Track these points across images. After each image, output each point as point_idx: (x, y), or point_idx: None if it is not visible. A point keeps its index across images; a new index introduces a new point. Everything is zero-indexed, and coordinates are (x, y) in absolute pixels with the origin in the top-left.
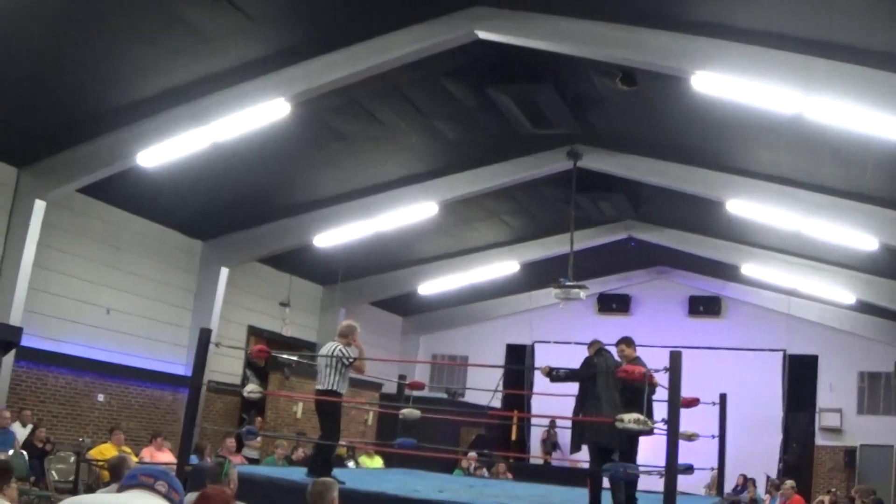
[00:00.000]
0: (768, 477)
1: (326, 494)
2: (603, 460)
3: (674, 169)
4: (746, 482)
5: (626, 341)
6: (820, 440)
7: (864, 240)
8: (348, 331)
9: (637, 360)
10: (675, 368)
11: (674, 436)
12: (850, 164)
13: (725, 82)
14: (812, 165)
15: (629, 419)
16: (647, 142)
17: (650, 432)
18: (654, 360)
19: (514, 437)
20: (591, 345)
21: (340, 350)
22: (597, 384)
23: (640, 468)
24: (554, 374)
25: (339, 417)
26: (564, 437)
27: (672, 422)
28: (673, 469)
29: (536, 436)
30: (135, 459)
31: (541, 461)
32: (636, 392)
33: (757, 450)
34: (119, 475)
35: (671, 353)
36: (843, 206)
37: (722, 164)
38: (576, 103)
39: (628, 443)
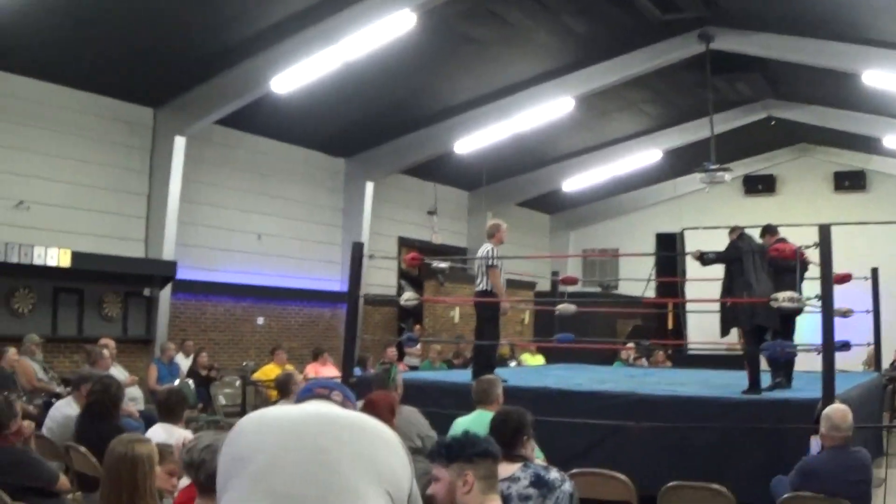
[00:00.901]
0: None
1: (491, 391)
2: (759, 341)
3: (807, 44)
4: None
5: (768, 230)
6: None
7: None
8: (494, 230)
9: (782, 241)
10: (825, 243)
11: (829, 312)
12: None
13: None
14: None
15: (783, 297)
16: (779, 18)
17: (801, 310)
18: (803, 238)
19: (670, 325)
20: (732, 230)
21: (488, 251)
22: (744, 267)
23: (798, 347)
24: (705, 258)
25: (498, 317)
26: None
27: (826, 297)
28: (830, 346)
29: (693, 322)
30: (300, 376)
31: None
32: (785, 271)
33: None
34: (287, 392)
35: (820, 227)
36: None
37: (854, 36)
38: None
39: (782, 323)
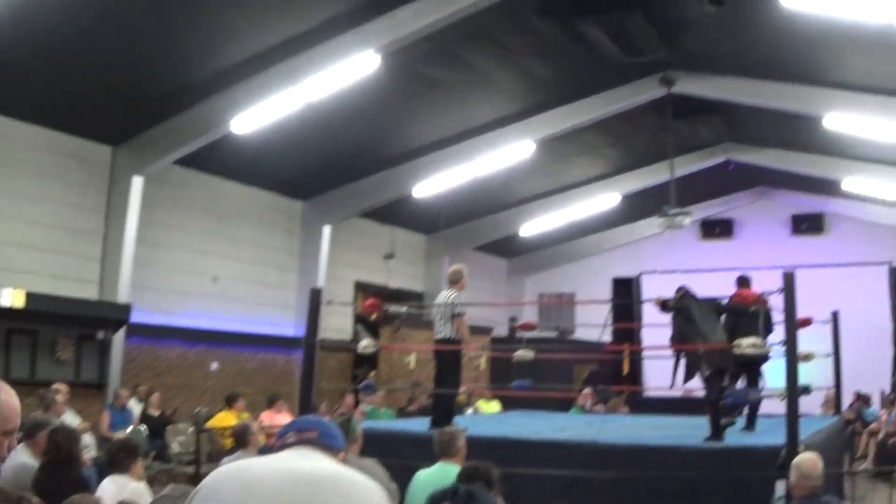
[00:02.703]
0: (882, 392)
1: (454, 443)
2: (719, 387)
3: (768, 87)
4: (859, 399)
5: (742, 282)
6: None
7: None
8: (457, 276)
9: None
10: (789, 289)
11: (792, 358)
12: None
13: None
14: None
15: (746, 344)
16: (740, 62)
17: (765, 357)
18: (761, 283)
19: (626, 370)
20: (677, 291)
21: (453, 298)
22: (693, 317)
23: (762, 393)
24: (667, 305)
25: (460, 365)
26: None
27: (790, 343)
28: (794, 391)
29: (649, 368)
30: (257, 426)
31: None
32: (740, 316)
33: (868, 366)
34: (244, 441)
35: (784, 273)
36: None
37: (816, 79)
38: (665, 28)
39: (748, 369)
